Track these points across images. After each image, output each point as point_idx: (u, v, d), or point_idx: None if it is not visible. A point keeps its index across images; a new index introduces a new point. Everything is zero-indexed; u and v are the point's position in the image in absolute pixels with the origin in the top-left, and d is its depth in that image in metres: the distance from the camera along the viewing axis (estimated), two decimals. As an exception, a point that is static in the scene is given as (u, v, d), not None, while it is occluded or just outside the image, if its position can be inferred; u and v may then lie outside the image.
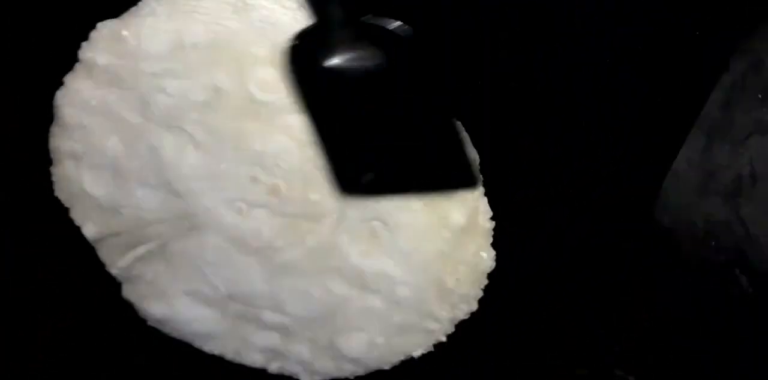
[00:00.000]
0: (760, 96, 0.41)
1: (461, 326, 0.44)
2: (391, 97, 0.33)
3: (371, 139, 0.34)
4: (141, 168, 0.40)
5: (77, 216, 0.43)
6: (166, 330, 0.46)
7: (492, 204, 0.40)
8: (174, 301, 0.45)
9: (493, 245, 0.41)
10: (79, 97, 0.39)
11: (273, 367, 0.47)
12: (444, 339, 0.44)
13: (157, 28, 0.38)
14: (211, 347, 0.47)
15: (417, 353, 0.45)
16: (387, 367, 0.45)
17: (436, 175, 0.35)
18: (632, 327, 0.46)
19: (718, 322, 0.45)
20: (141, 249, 0.43)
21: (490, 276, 0.42)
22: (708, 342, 0.45)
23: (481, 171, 0.39)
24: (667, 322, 0.46)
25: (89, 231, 0.43)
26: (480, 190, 0.39)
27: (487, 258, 0.41)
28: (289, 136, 0.38)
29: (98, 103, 0.39)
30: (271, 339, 0.45)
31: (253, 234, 0.41)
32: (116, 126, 0.39)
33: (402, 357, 0.45)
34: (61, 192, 0.43)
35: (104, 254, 0.44)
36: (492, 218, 0.40)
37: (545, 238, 0.42)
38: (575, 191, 0.40)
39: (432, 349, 0.45)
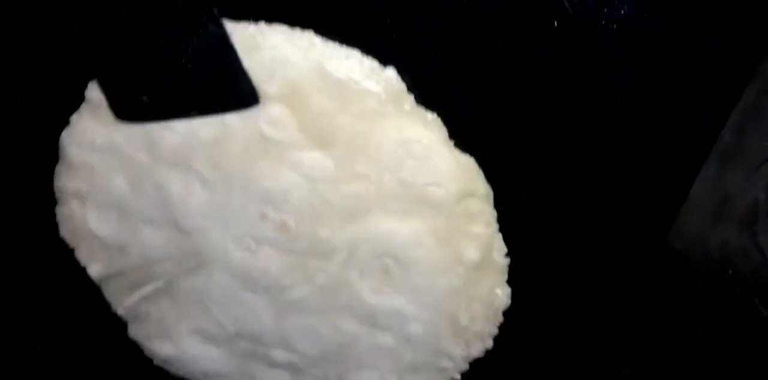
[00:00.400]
0: (774, 122, 0.40)
1: (475, 364, 0.43)
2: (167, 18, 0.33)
3: (147, 61, 0.34)
4: (147, 206, 0.40)
5: (82, 256, 0.42)
6: (173, 369, 0.45)
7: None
8: (181, 340, 0.44)
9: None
10: (85, 137, 0.39)
11: (283, 407, 0.46)
12: (458, 377, 0.43)
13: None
14: (220, 387, 0.46)
15: (430, 392, 0.44)
16: (400, 406, 0.44)
17: (212, 94, 0.36)
18: (632, 327, 0.45)
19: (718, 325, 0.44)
20: (147, 288, 0.42)
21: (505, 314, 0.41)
22: (708, 342, 0.44)
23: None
24: (667, 322, 0.45)
25: (94, 271, 0.42)
26: (495, 227, 0.38)
27: (502, 295, 0.40)
28: (299, 172, 0.38)
29: (104, 142, 0.38)
30: (281, 377, 0.44)
31: (261, 272, 0.40)
32: (122, 164, 0.39)
33: (415, 396, 0.44)
34: (66, 232, 0.42)
35: (110, 294, 0.43)
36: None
37: (545, 238, 0.41)
38: (575, 191, 0.39)
39: (446, 388, 0.44)
